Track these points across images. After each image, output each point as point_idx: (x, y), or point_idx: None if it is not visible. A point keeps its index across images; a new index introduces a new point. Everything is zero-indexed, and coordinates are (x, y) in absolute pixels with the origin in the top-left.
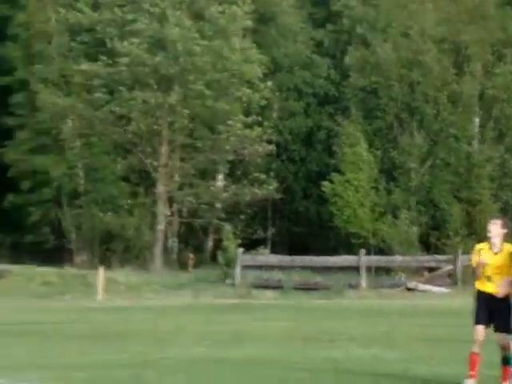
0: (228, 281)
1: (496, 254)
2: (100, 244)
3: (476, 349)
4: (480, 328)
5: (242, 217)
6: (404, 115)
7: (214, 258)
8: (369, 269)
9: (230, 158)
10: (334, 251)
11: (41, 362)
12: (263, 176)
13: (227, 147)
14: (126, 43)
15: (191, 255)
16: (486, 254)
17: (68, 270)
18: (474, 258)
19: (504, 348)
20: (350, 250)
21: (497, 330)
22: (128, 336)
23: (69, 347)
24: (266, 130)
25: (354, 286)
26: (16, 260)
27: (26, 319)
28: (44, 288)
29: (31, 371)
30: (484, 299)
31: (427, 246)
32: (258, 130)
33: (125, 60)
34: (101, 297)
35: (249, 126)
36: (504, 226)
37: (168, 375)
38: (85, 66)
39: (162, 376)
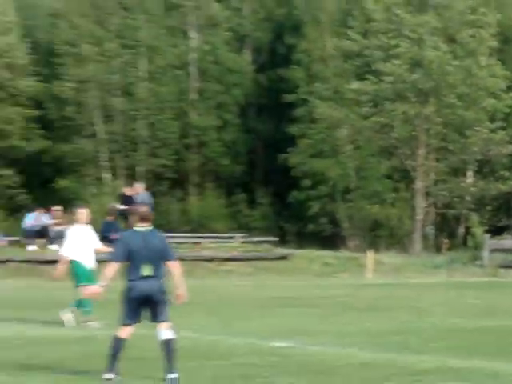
0: (477, 262)
1: None
2: (369, 231)
3: None
4: None
5: (488, 208)
6: None
7: (465, 243)
8: None
9: (478, 157)
10: None
11: (322, 329)
12: (507, 173)
13: (475, 149)
14: (389, 64)
15: (445, 240)
16: None
17: (343, 253)
18: None
19: None
20: None
21: None
22: (394, 308)
23: (345, 317)
24: (508, 134)
25: None
26: (300, 245)
27: (309, 294)
28: (323, 268)
29: (315, 336)
30: None
31: None
32: (501, 134)
33: (389, 79)
34: (370, 275)
35: (493, 131)
36: None
37: (431, 342)
38: (355, 84)
39: (426, 342)
